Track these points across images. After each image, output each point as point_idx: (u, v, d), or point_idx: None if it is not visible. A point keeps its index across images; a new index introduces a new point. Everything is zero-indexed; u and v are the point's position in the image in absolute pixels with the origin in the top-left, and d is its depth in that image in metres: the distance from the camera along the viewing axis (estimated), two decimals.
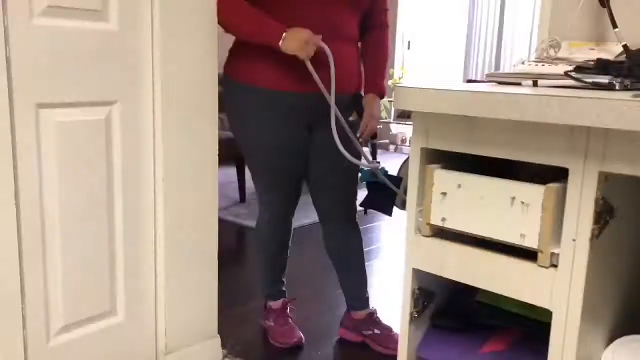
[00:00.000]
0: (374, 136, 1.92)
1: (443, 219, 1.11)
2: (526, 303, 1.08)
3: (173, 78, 1.60)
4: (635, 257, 1.14)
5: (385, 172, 1.85)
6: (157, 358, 1.77)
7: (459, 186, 1.09)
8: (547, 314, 1.05)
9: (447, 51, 6.36)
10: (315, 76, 1.67)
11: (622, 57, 1.35)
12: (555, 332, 0.99)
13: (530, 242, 1.01)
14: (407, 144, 6.38)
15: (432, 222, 1.13)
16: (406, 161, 1.86)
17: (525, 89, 1.08)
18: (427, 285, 1.21)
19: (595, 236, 0.96)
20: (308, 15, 1.71)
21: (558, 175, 1.01)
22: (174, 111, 1.61)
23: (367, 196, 1.93)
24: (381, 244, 3.18)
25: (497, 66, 5.84)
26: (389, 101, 6.01)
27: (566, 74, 1.22)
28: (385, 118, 6.10)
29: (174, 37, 1.57)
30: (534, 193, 1.00)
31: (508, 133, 1.03)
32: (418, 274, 1.18)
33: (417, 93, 1.09)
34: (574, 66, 1.25)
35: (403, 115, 6.04)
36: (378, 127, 1.94)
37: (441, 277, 1.15)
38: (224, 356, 1.95)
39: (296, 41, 1.63)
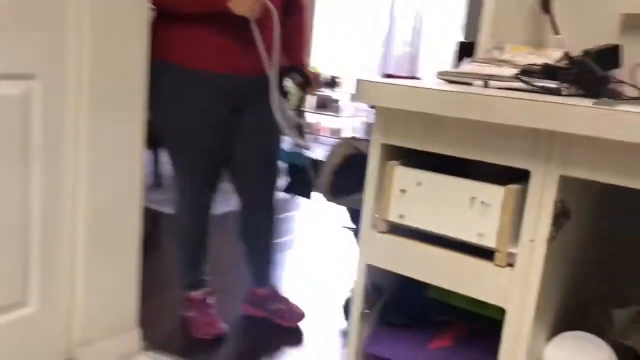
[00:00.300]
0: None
1: (401, 216, 1.11)
2: (475, 300, 1.10)
3: (100, 56, 1.48)
4: (575, 256, 1.20)
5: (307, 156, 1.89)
6: (71, 351, 1.65)
7: (419, 184, 1.09)
8: (496, 310, 1.07)
9: (364, 43, 6.45)
10: (259, 39, 1.68)
11: (563, 63, 1.41)
12: (508, 330, 1.02)
13: (488, 242, 1.02)
14: (327, 134, 6.40)
15: (390, 218, 1.12)
16: (335, 147, 1.89)
17: (486, 90, 1.09)
18: (377, 281, 1.21)
19: (552, 238, 0.99)
20: None
21: (512, 176, 1.04)
22: (100, 90, 1.49)
23: (288, 180, 1.96)
24: (296, 235, 3.16)
25: (414, 59, 6.00)
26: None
27: (517, 77, 1.25)
28: (299, 107, 6.09)
29: (103, 12, 1.45)
30: (494, 193, 1.01)
31: (472, 133, 1.03)
32: (370, 270, 1.17)
33: (382, 88, 1.08)
34: (521, 69, 1.29)
35: (322, 106, 6.05)
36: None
37: (390, 272, 1.15)
38: (143, 348, 1.86)
39: (246, 1, 1.62)
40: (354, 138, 1.95)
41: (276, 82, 1.74)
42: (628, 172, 0.90)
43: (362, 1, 6.40)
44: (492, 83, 1.27)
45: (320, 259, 2.87)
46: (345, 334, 2.10)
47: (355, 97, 1.12)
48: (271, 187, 2.03)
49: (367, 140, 1.93)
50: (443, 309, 1.21)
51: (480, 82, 1.28)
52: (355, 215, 1.94)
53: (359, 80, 1.13)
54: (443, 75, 1.37)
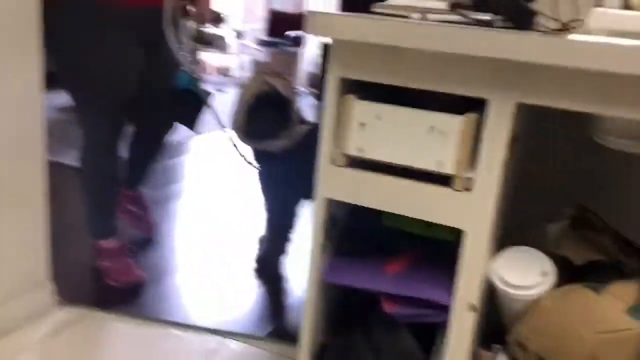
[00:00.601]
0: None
1: (361, 149, 1.13)
2: (427, 225, 1.17)
3: None
4: (514, 178, 1.30)
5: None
6: None
7: (379, 117, 1.11)
8: (449, 233, 1.15)
9: None
10: None
11: None
12: (467, 249, 1.10)
13: (447, 169, 1.08)
14: (213, 72, 6.18)
15: (350, 152, 1.14)
16: (247, 84, 1.88)
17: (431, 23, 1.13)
18: (333, 213, 1.24)
19: (506, 163, 1.06)
20: None
21: (465, 106, 1.09)
22: None
23: (173, 106, 1.99)
24: (185, 184, 3.07)
25: None
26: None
27: (453, 10, 1.29)
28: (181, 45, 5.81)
29: None
30: (452, 122, 1.07)
31: (431, 64, 1.07)
32: (328, 203, 1.19)
33: (337, 20, 1.07)
34: (452, 2, 1.33)
35: (201, 41, 5.79)
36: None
37: (344, 203, 1.18)
38: (57, 303, 1.78)
39: None
40: (265, 73, 1.93)
41: (170, 13, 1.71)
42: (579, 98, 0.99)
43: None
44: (429, 16, 1.30)
45: (218, 205, 2.82)
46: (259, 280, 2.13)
47: (310, 31, 1.10)
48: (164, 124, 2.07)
49: (280, 77, 1.92)
50: (396, 235, 1.27)
51: (417, 15, 1.30)
52: (259, 156, 1.94)
53: (311, 13, 1.11)
54: (380, 8, 1.38)
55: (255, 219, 2.47)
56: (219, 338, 1.75)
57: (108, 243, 1.99)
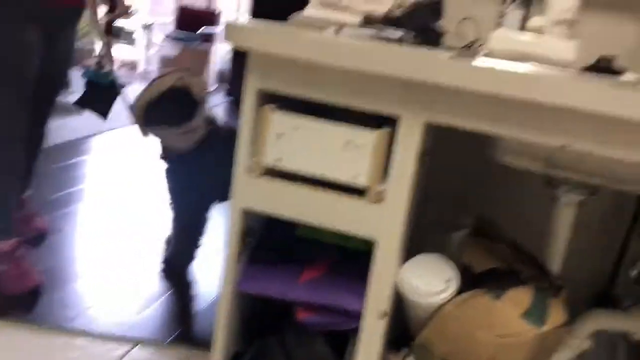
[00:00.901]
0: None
1: (278, 159, 1.14)
2: (340, 235, 1.21)
3: None
4: (420, 189, 1.37)
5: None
6: None
7: (296, 128, 1.13)
8: (361, 243, 1.19)
9: None
10: None
11: (400, 12, 1.53)
12: (379, 259, 1.14)
13: (361, 181, 1.12)
14: (116, 67, 5.92)
15: (267, 162, 1.15)
16: (163, 76, 1.88)
17: (363, 40, 1.16)
18: (250, 223, 1.24)
19: (415, 176, 1.12)
20: None
21: (379, 120, 1.14)
22: None
23: (83, 94, 2.01)
24: (86, 185, 2.95)
25: None
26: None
27: (366, 26, 1.34)
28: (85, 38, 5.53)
29: None
30: (366, 137, 1.11)
31: (347, 81, 1.10)
32: (244, 214, 1.20)
33: (256, 32, 1.08)
34: (364, 18, 1.38)
35: (109, 34, 5.54)
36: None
37: (261, 214, 1.19)
38: None
39: None
40: (180, 70, 1.92)
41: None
42: (483, 119, 1.06)
43: None
44: (344, 31, 1.34)
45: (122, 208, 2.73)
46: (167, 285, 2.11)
47: (228, 41, 1.11)
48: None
49: (199, 80, 1.91)
50: (310, 244, 1.29)
51: (332, 30, 1.34)
52: (167, 154, 1.93)
53: (230, 23, 1.11)
54: (295, 20, 1.40)
55: (162, 219, 2.42)
56: (123, 345, 1.70)
57: (4, 245, 1.88)
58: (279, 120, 1.13)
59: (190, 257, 2.12)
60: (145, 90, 1.84)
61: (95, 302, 1.91)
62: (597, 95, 0.96)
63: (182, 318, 1.93)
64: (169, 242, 2.16)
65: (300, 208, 1.16)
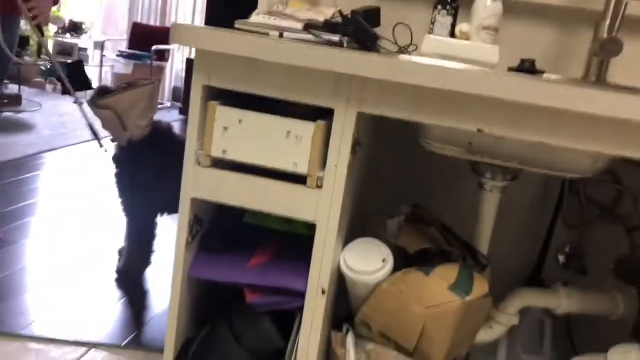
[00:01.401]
0: (39, 27, 2.19)
1: (224, 151, 1.23)
2: (285, 220, 1.30)
3: None
4: (359, 177, 1.47)
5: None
6: None
7: (240, 121, 1.22)
8: (304, 227, 1.29)
9: None
10: None
11: (337, 20, 1.65)
12: (318, 239, 1.24)
13: (301, 169, 1.22)
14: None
15: (213, 154, 1.24)
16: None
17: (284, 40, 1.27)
18: (199, 211, 1.32)
19: (350, 163, 1.23)
20: None
21: (317, 113, 1.24)
22: None
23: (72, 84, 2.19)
24: (38, 199, 2.98)
25: (164, 8, 5.87)
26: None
27: (306, 30, 1.45)
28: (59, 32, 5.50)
29: None
30: (305, 128, 1.21)
31: (286, 77, 1.20)
32: (193, 203, 1.28)
33: (202, 32, 1.17)
34: (306, 23, 1.49)
35: (63, 53, 5.54)
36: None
37: (209, 202, 1.28)
38: None
39: None
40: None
41: None
42: (409, 109, 1.17)
43: None
44: (286, 34, 1.44)
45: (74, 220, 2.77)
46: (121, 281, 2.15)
47: (175, 41, 1.20)
48: None
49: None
50: (257, 231, 1.38)
51: (275, 33, 1.44)
52: (117, 158, 2.01)
53: (177, 25, 1.21)
54: (241, 25, 1.50)
55: (115, 229, 2.45)
56: (80, 349, 1.74)
57: None
58: (224, 114, 1.22)
59: (144, 263, 2.17)
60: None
61: (49, 310, 1.93)
62: (510, 86, 1.08)
63: (137, 323, 1.97)
64: (121, 251, 2.21)
65: (246, 196, 1.25)
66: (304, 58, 1.13)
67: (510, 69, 1.55)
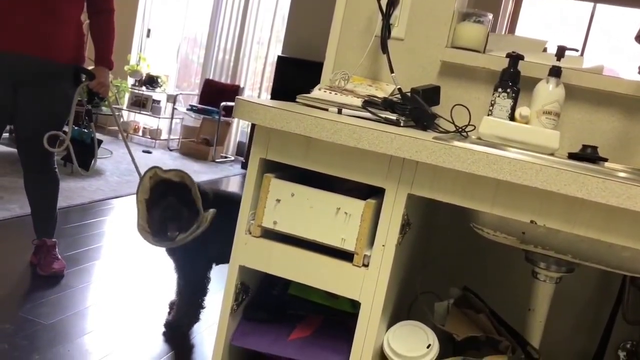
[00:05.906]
0: (101, 99, 2.44)
1: (275, 222, 1.26)
2: (330, 295, 1.29)
3: None
4: (408, 258, 1.46)
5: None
6: None
7: (292, 195, 1.25)
8: (348, 304, 1.28)
9: (189, 43, 6.44)
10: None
11: (397, 97, 1.68)
12: (362, 319, 1.23)
13: (349, 246, 1.22)
14: (140, 133, 6.20)
15: (264, 224, 1.26)
16: (140, 181, 1.99)
17: (347, 119, 1.30)
18: (246, 279, 1.34)
19: (399, 243, 1.22)
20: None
21: (369, 191, 1.25)
22: None
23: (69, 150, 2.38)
24: (103, 244, 3.09)
25: (235, 67, 6.14)
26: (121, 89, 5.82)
27: (364, 108, 1.48)
28: (115, 102, 5.86)
29: None
30: (355, 206, 1.22)
31: (340, 155, 1.23)
32: (241, 271, 1.30)
33: (260, 109, 1.22)
34: (365, 100, 1.52)
35: (137, 104, 5.88)
36: (118, 114, 2.45)
37: (256, 272, 1.29)
38: None
39: None
40: (156, 167, 2.00)
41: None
42: (461, 194, 1.17)
43: (188, 3, 6.40)
44: (345, 111, 1.48)
45: (133, 268, 2.84)
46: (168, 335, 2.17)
47: (237, 115, 1.25)
48: (46, 154, 2.35)
49: (174, 170, 2.01)
50: (301, 304, 1.38)
51: (335, 109, 1.48)
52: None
53: (238, 99, 1.26)
54: (302, 99, 1.55)
55: (168, 281, 2.50)
56: None
57: None
58: (277, 187, 1.25)
59: (194, 318, 2.19)
60: (137, 206, 1.95)
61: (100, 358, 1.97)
62: (564, 179, 1.06)
63: None
64: (172, 305, 2.24)
65: (293, 268, 1.26)
66: (358, 140, 1.15)
67: (571, 155, 1.52)
